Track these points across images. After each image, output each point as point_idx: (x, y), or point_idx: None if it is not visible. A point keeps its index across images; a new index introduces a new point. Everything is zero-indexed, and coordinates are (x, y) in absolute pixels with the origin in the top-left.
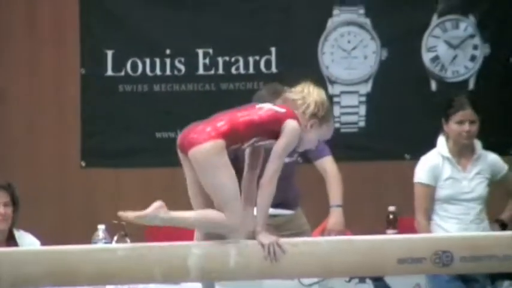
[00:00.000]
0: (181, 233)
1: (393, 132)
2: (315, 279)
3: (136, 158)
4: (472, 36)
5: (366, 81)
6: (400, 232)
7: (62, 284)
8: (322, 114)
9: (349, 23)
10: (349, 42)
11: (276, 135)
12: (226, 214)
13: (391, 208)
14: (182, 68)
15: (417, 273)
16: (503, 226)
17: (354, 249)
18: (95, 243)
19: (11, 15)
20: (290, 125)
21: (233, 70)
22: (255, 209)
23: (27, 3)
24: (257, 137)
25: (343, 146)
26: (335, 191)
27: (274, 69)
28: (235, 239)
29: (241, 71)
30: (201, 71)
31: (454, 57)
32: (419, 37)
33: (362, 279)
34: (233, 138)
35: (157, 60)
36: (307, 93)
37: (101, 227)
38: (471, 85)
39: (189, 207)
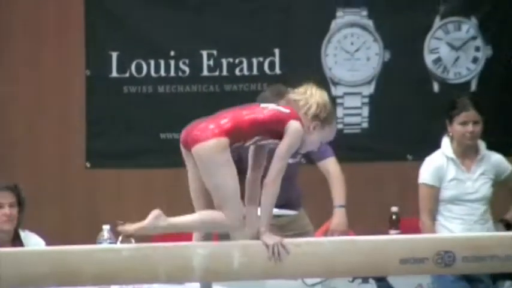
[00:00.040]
0: (186, 233)
1: (396, 133)
2: (318, 279)
3: (141, 159)
4: (474, 38)
5: (368, 82)
6: (402, 232)
7: (66, 284)
8: (324, 116)
9: (352, 25)
10: (352, 44)
11: (279, 135)
12: (225, 212)
13: (394, 209)
14: (186, 69)
15: (419, 273)
16: (508, 226)
17: (357, 249)
18: (100, 243)
19: (16, 17)
20: (293, 126)
21: (237, 71)
22: (258, 209)
23: (33, 5)
24: (260, 136)
25: (346, 147)
26: (338, 192)
27: (277, 71)
28: (239, 239)
29: (245, 72)
30: (205, 73)
31: (456, 59)
32: (421, 39)
33: (365, 280)
34: (236, 136)
35: (162, 62)
36: (310, 95)
37: (106, 227)
38: (473, 87)
39: (193, 207)
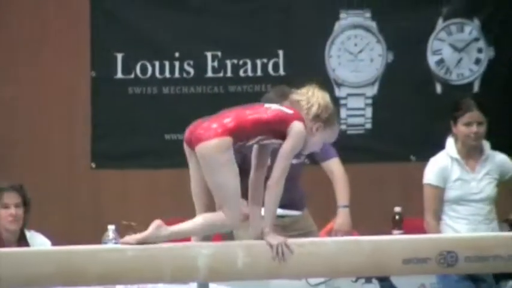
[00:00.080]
0: None
1: (399, 134)
2: (322, 279)
3: (146, 159)
4: (476, 39)
5: (372, 83)
6: (405, 233)
7: (71, 284)
8: (325, 117)
9: (355, 26)
10: (355, 45)
11: (282, 135)
12: (225, 212)
13: (397, 209)
14: (191, 70)
15: (422, 273)
16: None
17: (360, 249)
18: (105, 243)
19: (21, 18)
20: (296, 127)
21: (241, 73)
22: (262, 209)
23: (38, 7)
24: (263, 136)
25: (349, 147)
26: (342, 192)
27: (281, 72)
28: (243, 239)
29: (249, 73)
30: (209, 74)
31: (459, 60)
32: (424, 40)
33: (368, 279)
34: (239, 135)
35: (167, 63)
36: (312, 95)
37: (111, 228)
38: (476, 88)
39: None
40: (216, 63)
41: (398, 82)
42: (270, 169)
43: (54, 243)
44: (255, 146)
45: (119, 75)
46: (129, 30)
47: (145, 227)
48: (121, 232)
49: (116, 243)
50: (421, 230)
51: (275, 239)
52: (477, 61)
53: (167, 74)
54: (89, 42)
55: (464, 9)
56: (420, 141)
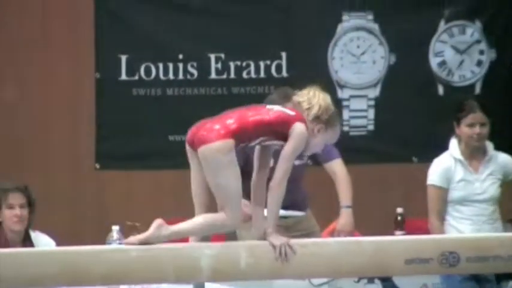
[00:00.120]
0: None
1: (401, 135)
2: (325, 280)
3: (150, 160)
4: (478, 41)
5: (374, 85)
6: (407, 233)
7: (76, 284)
8: (326, 118)
9: (358, 29)
10: (358, 47)
11: (284, 136)
12: (227, 213)
13: (399, 210)
14: (194, 72)
15: (424, 273)
16: None
17: (363, 250)
18: (109, 243)
19: (26, 20)
20: (298, 128)
21: (244, 74)
22: (265, 210)
23: (43, 9)
24: (264, 137)
25: (352, 149)
26: (345, 192)
27: (284, 74)
28: (246, 239)
29: (253, 75)
30: (213, 75)
31: (461, 62)
32: (426, 42)
33: (371, 280)
34: (241, 137)
35: (170, 65)
36: (313, 96)
37: (115, 228)
38: (477, 89)
39: None
40: (219, 65)
41: (400, 84)
42: (272, 170)
43: (58, 244)
44: (257, 147)
45: (123, 76)
46: (134, 32)
47: (149, 228)
48: (125, 232)
49: (120, 243)
50: (423, 231)
51: (278, 240)
52: (479, 63)
53: (171, 76)
54: (93, 44)
55: (466, 12)
56: (422, 143)
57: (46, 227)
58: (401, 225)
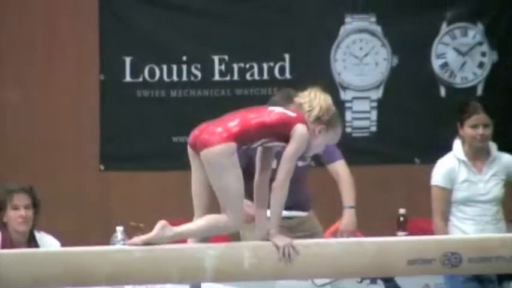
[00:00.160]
0: None
1: (403, 137)
2: (327, 280)
3: (154, 162)
4: (480, 43)
5: (377, 87)
6: (410, 234)
7: (80, 284)
8: (327, 119)
9: (360, 31)
10: (361, 49)
11: (285, 138)
12: (228, 214)
13: (401, 211)
14: (198, 74)
15: (427, 273)
16: None
17: (365, 250)
18: (114, 244)
19: (31, 22)
20: (299, 129)
21: (248, 76)
22: (268, 211)
23: (48, 11)
24: (266, 139)
25: (354, 150)
26: (348, 193)
27: (288, 75)
28: (249, 240)
29: (256, 77)
30: (216, 77)
31: (463, 64)
32: (429, 44)
33: (373, 280)
34: (243, 140)
35: (174, 67)
36: (314, 97)
37: (119, 229)
38: (479, 91)
39: None
40: (223, 67)
41: (402, 85)
42: (274, 172)
43: (63, 244)
44: (259, 149)
45: (128, 78)
46: (138, 34)
47: (153, 229)
48: (129, 233)
49: (124, 244)
50: (426, 232)
51: (281, 240)
52: (481, 65)
53: (175, 78)
54: (97, 46)
55: (468, 14)
56: (424, 144)
57: (51, 227)
58: (404, 226)
